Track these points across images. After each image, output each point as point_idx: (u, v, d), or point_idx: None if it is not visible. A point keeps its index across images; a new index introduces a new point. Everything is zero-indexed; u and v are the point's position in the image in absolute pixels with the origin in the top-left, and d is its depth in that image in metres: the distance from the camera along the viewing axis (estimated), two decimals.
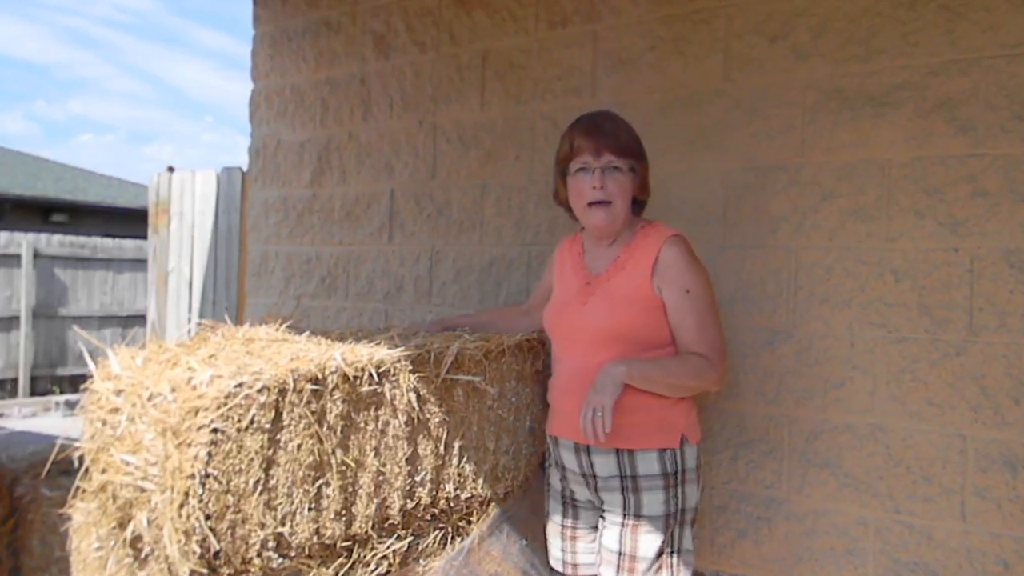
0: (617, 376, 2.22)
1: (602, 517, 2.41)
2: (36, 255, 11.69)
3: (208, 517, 1.77)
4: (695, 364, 2.30)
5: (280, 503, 1.92)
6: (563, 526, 2.53)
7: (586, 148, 2.38)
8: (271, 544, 1.91)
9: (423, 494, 2.31)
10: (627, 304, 2.34)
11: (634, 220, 2.47)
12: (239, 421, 1.81)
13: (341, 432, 2.05)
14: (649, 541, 2.30)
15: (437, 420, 2.32)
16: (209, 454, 1.76)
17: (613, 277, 2.40)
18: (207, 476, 1.76)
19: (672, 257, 2.33)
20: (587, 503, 2.47)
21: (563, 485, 2.51)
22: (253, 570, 1.88)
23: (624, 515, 2.34)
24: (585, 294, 2.44)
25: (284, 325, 2.42)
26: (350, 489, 2.10)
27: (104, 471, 1.85)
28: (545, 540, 2.59)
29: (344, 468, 2.07)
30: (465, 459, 2.43)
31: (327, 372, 2.01)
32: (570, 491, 2.50)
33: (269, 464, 1.89)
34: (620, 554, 2.31)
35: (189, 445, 1.74)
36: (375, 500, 2.17)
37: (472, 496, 2.48)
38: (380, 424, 2.16)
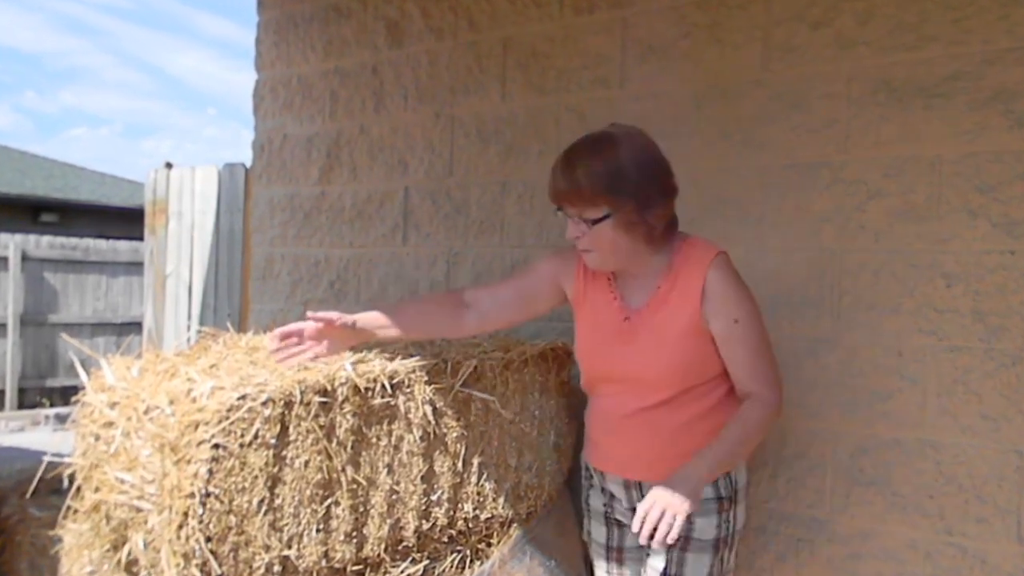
0: (695, 482, 2.12)
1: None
2: (24, 257, 11.73)
3: (209, 539, 1.77)
4: (754, 418, 2.27)
5: (286, 524, 1.92)
6: (608, 547, 2.52)
7: (554, 199, 2.32)
8: (276, 568, 1.91)
9: (440, 514, 2.31)
10: (679, 341, 2.28)
11: (669, 239, 2.33)
12: (242, 436, 1.81)
13: (352, 448, 2.05)
14: (700, 566, 2.31)
15: (454, 435, 2.32)
16: (210, 471, 1.76)
17: (658, 312, 2.31)
18: (208, 495, 1.76)
19: (719, 283, 2.26)
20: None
21: (607, 509, 2.49)
22: None
23: (676, 538, 2.34)
24: (628, 332, 2.34)
25: None
26: (361, 509, 2.10)
27: (97, 490, 1.86)
28: (572, 562, 2.59)
29: (355, 486, 2.07)
30: (485, 477, 2.43)
31: (336, 383, 2.01)
32: (616, 517, 2.49)
33: (274, 482, 1.89)
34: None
35: (188, 462, 1.75)
36: (388, 521, 2.17)
37: (492, 516, 2.48)
38: (393, 439, 2.16)
